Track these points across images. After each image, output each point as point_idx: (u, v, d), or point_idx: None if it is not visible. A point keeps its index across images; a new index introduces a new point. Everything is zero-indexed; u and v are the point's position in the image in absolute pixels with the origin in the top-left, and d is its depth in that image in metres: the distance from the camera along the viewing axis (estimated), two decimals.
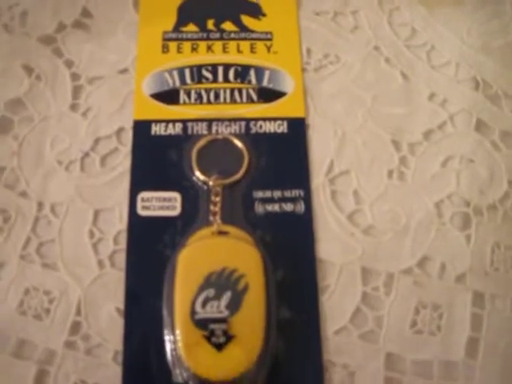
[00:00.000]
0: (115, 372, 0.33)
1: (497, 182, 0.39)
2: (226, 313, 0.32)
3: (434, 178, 0.39)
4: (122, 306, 0.34)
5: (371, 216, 0.37)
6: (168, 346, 0.33)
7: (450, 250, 0.37)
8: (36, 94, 0.40)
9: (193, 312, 0.32)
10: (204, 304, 0.32)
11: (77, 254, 0.36)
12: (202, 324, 0.32)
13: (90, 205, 0.37)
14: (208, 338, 0.31)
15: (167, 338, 0.33)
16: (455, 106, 0.41)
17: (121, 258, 0.36)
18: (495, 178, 0.39)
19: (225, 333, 0.31)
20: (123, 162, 0.38)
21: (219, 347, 0.31)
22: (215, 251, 0.34)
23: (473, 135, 0.40)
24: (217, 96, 0.40)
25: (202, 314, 0.32)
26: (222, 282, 0.32)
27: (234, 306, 0.32)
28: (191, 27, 0.42)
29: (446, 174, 0.39)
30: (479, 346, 0.35)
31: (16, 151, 0.38)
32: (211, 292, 0.32)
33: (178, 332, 0.32)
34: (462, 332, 0.35)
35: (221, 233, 0.35)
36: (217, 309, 0.32)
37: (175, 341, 0.32)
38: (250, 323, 0.32)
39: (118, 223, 0.37)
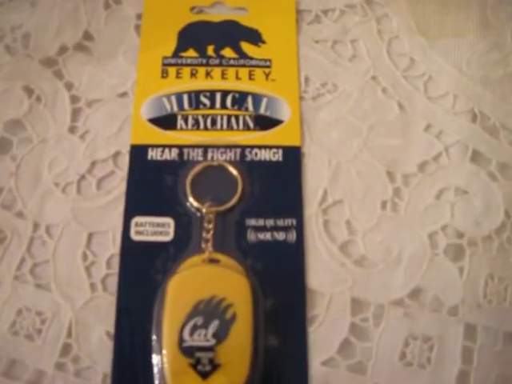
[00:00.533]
0: None
1: (493, 213, 0.39)
2: (212, 341, 0.32)
3: (427, 210, 0.39)
4: (112, 329, 0.35)
5: (363, 246, 0.38)
6: (156, 371, 0.33)
7: (442, 282, 0.37)
8: (35, 116, 0.41)
9: (180, 339, 0.32)
10: (192, 332, 0.32)
11: (70, 276, 0.37)
12: (188, 352, 0.32)
13: (85, 227, 0.38)
14: (194, 366, 0.32)
15: (155, 362, 0.33)
16: (451, 138, 0.41)
17: (113, 282, 0.36)
18: (491, 209, 0.39)
19: (211, 361, 0.32)
20: (119, 185, 0.39)
21: (205, 375, 0.32)
22: (205, 279, 0.34)
23: (468, 166, 0.40)
24: (214, 122, 0.40)
25: (189, 341, 0.32)
26: (211, 311, 0.33)
27: (221, 334, 0.32)
28: (191, 52, 0.42)
29: (440, 205, 0.39)
30: (469, 379, 0.35)
31: (14, 172, 0.39)
32: (199, 320, 0.33)
33: (165, 359, 0.32)
34: (453, 365, 0.35)
35: (212, 261, 0.36)
36: (204, 337, 0.32)
37: (162, 367, 0.32)
38: (237, 352, 0.32)
39: (111, 247, 0.37)
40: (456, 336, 0.36)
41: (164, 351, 0.32)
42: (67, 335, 0.35)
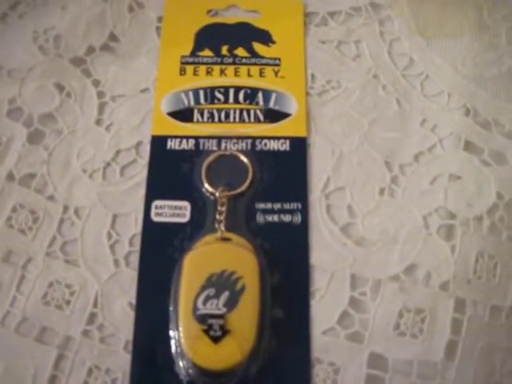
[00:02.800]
0: (125, 359, 0.37)
1: (485, 195, 0.42)
2: (223, 310, 0.35)
3: (422, 195, 0.42)
4: (133, 301, 0.38)
5: (363, 228, 0.41)
6: (172, 339, 0.36)
7: (435, 259, 0.40)
8: (66, 110, 0.44)
9: (195, 308, 0.35)
10: (205, 301, 0.35)
11: (96, 253, 0.40)
12: (201, 319, 0.35)
13: (110, 210, 0.41)
14: (206, 332, 0.35)
15: (172, 331, 0.36)
16: (445, 131, 0.44)
17: (135, 259, 0.39)
18: (484, 192, 0.42)
19: (221, 327, 0.35)
20: (141, 172, 0.42)
21: (216, 340, 0.35)
22: (217, 255, 0.37)
23: (461, 155, 0.43)
24: (227, 115, 0.43)
25: (202, 310, 0.35)
26: (222, 283, 0.36)
27: (231, 304, 0.35)
28: (207, 52, 0.46)
29: (435, 190, 0.42)
30: (457, 348, 0.38)
31: (46, 160, 0.42)
32: (212, 291, 0.35)
33: (180, 325, 0.35)
34: (443, 335, 0.38)
35: (224, 239, 0.39)
36: (216, 306, 0.35)
37: (178, 333, 0.35)
38: (245, 320, 0.35)
39: (133, 227, 0.40)
40: (446, 309, 0.38)
41: (180, 319, 0.35)
42: (93, 306, 0.38)
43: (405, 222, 0.41)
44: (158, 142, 0.42)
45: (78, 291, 0.39)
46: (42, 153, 0.43)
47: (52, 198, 0.41)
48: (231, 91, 0.44)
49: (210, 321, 0.35)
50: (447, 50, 0.47)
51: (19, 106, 0.44)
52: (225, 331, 0.35)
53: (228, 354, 0.35)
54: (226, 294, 0.36)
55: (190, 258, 0.37)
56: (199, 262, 0.37)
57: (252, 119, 0.43)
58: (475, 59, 0.47)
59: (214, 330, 0.35)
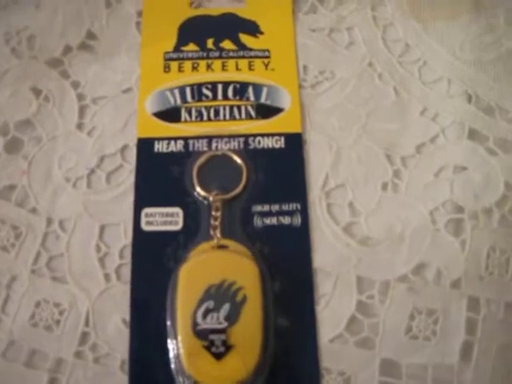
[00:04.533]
0: (122, 380, 0.35)
1: (493, 186, 0.40)
2: (224, 324, 0.33)
3: (427, 188, 0.40)
4: (127, 317, 0.36)
5: (367, 227, 0.39)
6: (171, 355, 0.34)
7: (444, 256, 0.38)
8: (44, 115, 0.42)
9: (194, 323, 0.33)
10: (204, 315, 0.33)
11: (84, 268, 0.38)
12: (202, 334, 0.33)
13: (97, 220, 0.39)
14: (208, 348, 0.33)
15: (171, 347, 0.34)
16: (447, 119, 0.42)
17: (126, 272, 0.37)
18: (491, 182, 0.40)
19: (224, 343, 0.33)
20: (128, 178, 0.40)
21: (218, 356, 0.33)
22: (215, 265, 0.35)
23: (465, 144, 0.41)
24: (216, 113, 0.41)
25: (202, 325, 0.33)
26: (221, 295, 0.34)
27: (233, 317, 0.33)
28: (191, 47, 0.43)
29: (440, 182, 0.40)
30: (473, 349, 0.36)
31: (26, 170, 0.40)
32: (211, 304, 0.34)
33: (180, 342, 0.33)
34: (457, 336, 0.36)
35: (220, 247, 0.37)
36: (216, 320, 0.33)
37: (178, 350, 0.33)
38: (248, 333, 0.34)
39: (123, 238, 0.38)
40: (459, 308, 0.37)
41: (178, 335, 0.33)
42: (85, 324, 0.36)
43: (411, 219, 0.39)
44: (145, 145, 0.40)
45: (68, 310, 0.37)
46: (21, 162, 0.40)
47: (34, 210, 0.39)
48: (219, 87, 0.42)
49: (212, 336, 0.33)
50: (444, 34, 0.45)
51: None
52: (227, 347, 0.33)
53: (232, 370, 0.33)
54: (226, 307, 0.34)
55: (186, 270, 0.35)
56: (195, 274, 0.35)
57: (243, 116, 0.41)
58: (473, 42, 0.44)
59: (216, 346, 0.33)
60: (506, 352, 0.36)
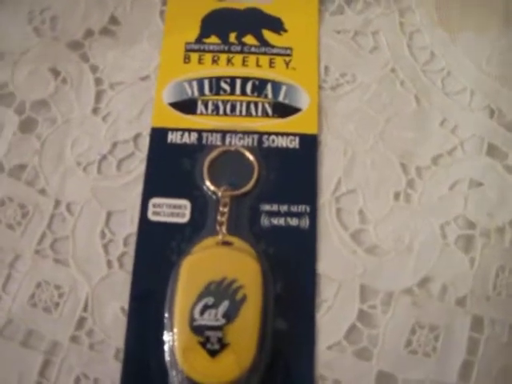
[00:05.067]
0: (115, 368, 0.35)
1: (508, 205, 0.39)
2: (222, 321, 0.33)
3: (440, 201, 0.39)
4: (126, 305, 0.36)
5: (375, 235, 0.38)
6: (166, 348, 0.34)
7: (452, 272, 0.37)
8: (61, 97, 0.42)
9: (191, 318, 0.33)
10: (202, 311, 0.33)
11: (88, 253, 0.38)
12: (198, 330, 0.33)
13: (104, 206, 0.39)
14: (203, 344, 0.33)
15: (166, 340, 0.34)
16: (466, 132, 0.41)
17: (129, 260, 0.37)
18: (506, 201, 0.39)
19: (219, 340, 0.33)
20: (138, 167, 0.39)
21: (213, 353, 0.32)
22: (217, 261, 0.35)
23: (483, 159, 0.40)
24: (233, 108, 0.41)
25: (199, 320, 0.33)
26: (221, 292, 0.34)
27: (231, 315, 0.33)
28: (213, 39, 0.43)
29: (454, 196, 0.39)
30: (473, 369, 0.35)
31: (38, 150, 0.40)
32: (210, 300, 0.33)
33: (175, 336, 0.33)
34: (458, 355, 0.36)
35: (225, 243, 0.36)
36: (214, 317, 0.33)
37: (173, 344, 0.33)
38: (245, 333, 0.33)
39: (128, 226, 0.38)
40: (463, 327, 0.36)
41: (175, 329, 0.33)
42: (83, 309, 0.36)
43: (420, 231, 0.38)
44: (158, 135, 0.40)
45: (68, 293, 0.37)
46: (34, 142, 0.40)
47: (43, 191, 0.39)
48: (238, 82, 0.41)
49: (208, 333, 0.33)
50: (471, 46, 0.44)
51: (11, 91, 0.42)
52: (223, 344, 0.33)
53: (226, 369, 0.33)
54: (225, 304, 0.33)
55: (188, 264, 0.35)
56: (198, 268, 0.35)
57: (259, 113, 0.40)
58: (502, 57, 0.43)
59: (212, 342, 0.33)
60: (508, 376, 0.35)
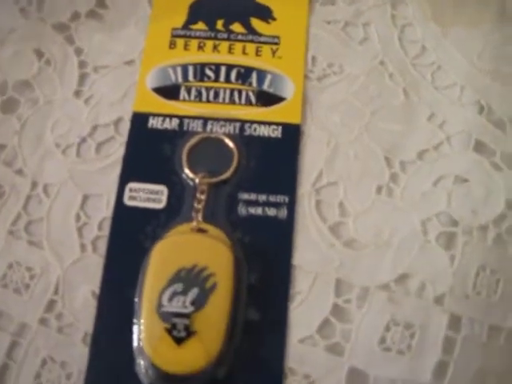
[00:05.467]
0: (82, 352, 0.34)
1: (493, 202, 0.38)
2: (190, 308, 0.32)
3: (423, 196, 0.38)
4: (97, 290, 0.35)
5: (354, 229, 0.37)
6: (134, 334, 0.33)
7: (431, 269, 0.36)
8: (44, 78, 0.42)
9: (159, 304, 0.32)
10: (171, 298, 0.33)
11: (62, 236, 0.37)
12: (165, 317, 0.32)
13: (80, 189, 0.38)
14: (169, 331, 0.32)
15: (135, 326, 0.34)
16: (454, 128, 0.40)
17: (103, 244, 0.37)
18: (491, 198, 0.38)
19: (186, 328, 0.32)
20: (117, 151, 0.39)
21: (179, 341, 0.32)
22: (189, 247, 0.34)
23: (470, 155, 0.39)
24: (216, 95, 0.40)
25: (167, 307, 0.32)
26: (191, 279, 0.33)
27: (199, 302, 0.32)
28: (200, 25, 0.43)
29: (437, 192, 0.38)
30: (448, 370, 0.34)
31: (18, 131, 0.40)
32: (179, 287, 0.33)
33: (142, 321, 0.33)
34: (433, 354, 0.35)
35: (199, 230, 0.36)
36: (182, 304, 0.32)
37: (140, 330, 0.33)
38: (213, 321, 0.32)
39: (104, 210, 0.38)
40: (439, 325, 0.35)
41: (142, 314, 0.33)
42: (54, 292, 0.36)
43: (401, 226, 0.37)
44: (139, 120, 0.40)
45: (39, 275, 0.36)
46: (14, 123, 0.40)
47: (21, 172, 0.39)
48: (223, 69, 0.41)
49: (175, 320, 0.32)
50: (463, 40, 0.43)
51: None
52: (189, 332, 0.32)
53: (191, 357, 0.32)
54: (194, 292, 0.33)
55: (160, 248, 0.34)
56: (169, 254, 0.34)
57: (243, 101, 0.40)
58: (493, 52, 0.43)
59: (178, 329, 0.32)
60: (484, 377, 0.34)
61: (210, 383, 0.33)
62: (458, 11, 0.44)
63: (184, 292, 0.33)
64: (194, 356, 0.32)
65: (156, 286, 0.33)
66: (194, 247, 0.34)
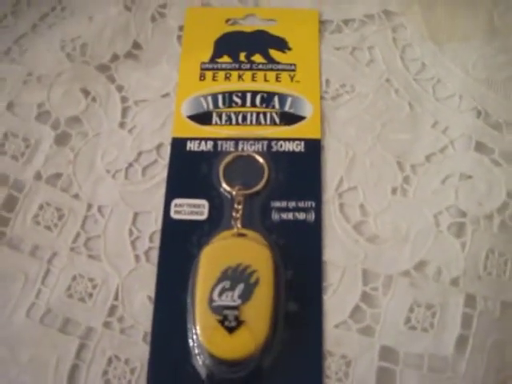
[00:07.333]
0: (144, 350, 0.38)
1: (495, 194, 0.43)
2: (238, 301, 0.36)
3: (434, 194, 0.43)
4: (152, 294, 0.39)
5: (375, 226, 0.42)
6: (189, 331, 0.37)
7: (446, 256, 0.41)
8: (91, 113, 0.46)
9: (210, 300, 0.36)
10: (220, 293, 0.36)
11: (117, 249, 0.41)
12: (217, 310, 0.36)
13: (131, 208, 0.42)
14: (221, 322, 0.36)
15: (189, 323, 0.38)
16: (456, 132, 0.45)
17: (154, 254, 0.41)
18: (494, 190, 0.43)
19: (236, 318, 0.36)
20: (161, 172, 0.43)
21: (230, 330, 0.36)
22: (233, 249, 0.38)
23: (472, 155, 0.44)
24: (244, 118, 0.45)
25: (218, 301, 0.36)
26: (237, 276, 0.37)
27: (246, 296, 0.36)
28: (225, 59, 0.48)
29: (446, 189, 0.43)
30: (468, 342, 0.38)
31: (72, 160, 0.44)
32: (227, 283, 0.37)
33: (197, 317, 0.36)
34: (453, 330, 0.39)
35: (240, 235, 0.40)
36: (231, 298, 0.36)
37: (195, 325, 0.36)
38: (259, 311, 0.36)
39: (153, 224, 0.42)
40: (457, 304, 0.39)
41: (196, 310, 0.36)
42: (114, 298, 0.40)
43: (416, 220, 0.42)
44: (178, 144, 0.44)
45: (100, 285, 0.40)
46: (68, 154, 0.45)
47: (77, 196, 0.43)
48: (248, 95, 0.46)
49: (225, 312, 0.36)
50: (458, 54, 0.48)
51: (47, 109, 0.46)
52: (239, 322, 0.36)
53: (242, 344, 0.36)
54: (240, 287, 0.37)
55: (207, 252, 0.38)
56: (215, 256, 0.38)
57: (268, 122, 0.45)
58: (486, 62, 0.48)
59: (229, 320, 0.36)
60: (500, 348, 0.38)
61: (259, 368, 0.37)
62: (451, 29, 0.49)
63: (232, 288, 0.37)
64: (244, 343, 0.36)
65: (207, 285, 0.37)
66: (237, 249, 0.39)
